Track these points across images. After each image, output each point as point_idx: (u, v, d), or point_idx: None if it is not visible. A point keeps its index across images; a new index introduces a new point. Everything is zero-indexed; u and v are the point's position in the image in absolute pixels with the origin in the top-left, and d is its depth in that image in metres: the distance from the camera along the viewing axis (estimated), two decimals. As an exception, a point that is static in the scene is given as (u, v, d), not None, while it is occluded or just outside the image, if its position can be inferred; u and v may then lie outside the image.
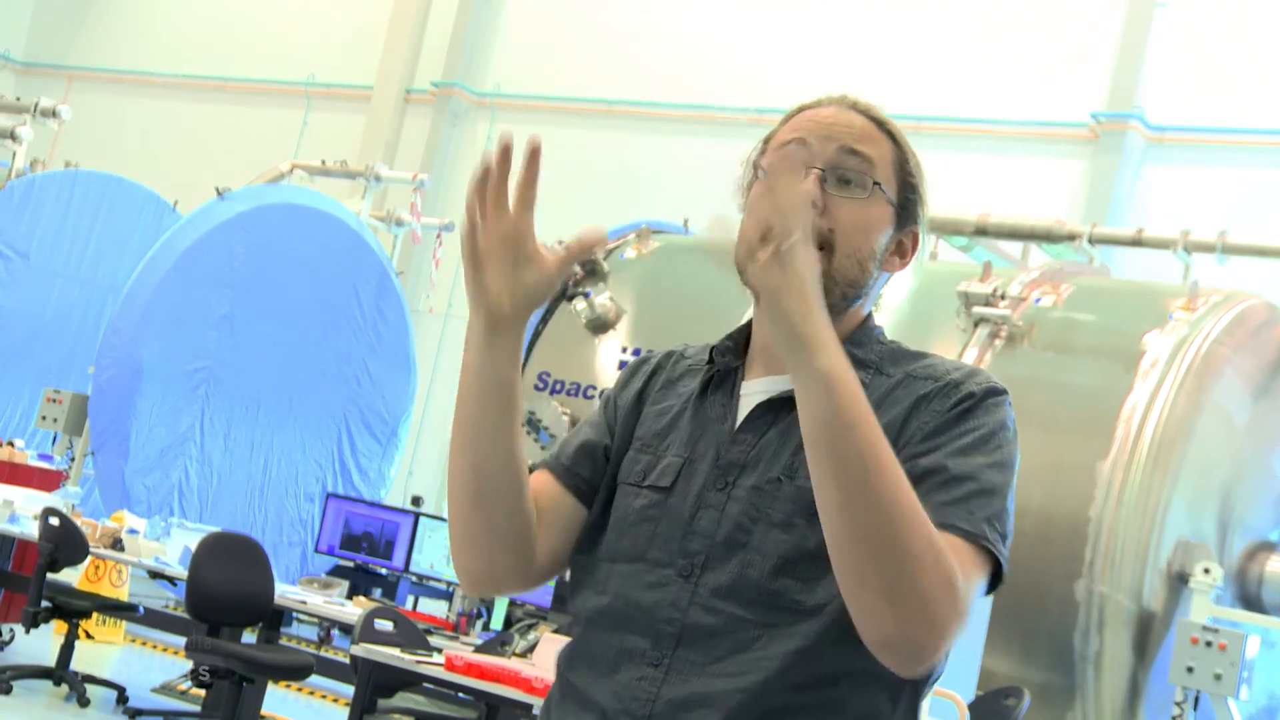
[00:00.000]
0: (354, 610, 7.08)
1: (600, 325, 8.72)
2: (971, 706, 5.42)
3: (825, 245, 1.67)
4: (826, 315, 1.51)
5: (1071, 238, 8.61)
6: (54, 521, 7.47)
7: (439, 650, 5.72)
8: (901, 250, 1.77)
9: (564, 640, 1.81)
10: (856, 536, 1.48)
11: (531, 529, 1.73)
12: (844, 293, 1.70)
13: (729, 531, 1.64)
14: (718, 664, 1.60)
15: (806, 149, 1.71)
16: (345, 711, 7.52)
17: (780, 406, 1.68)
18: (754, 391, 1.73)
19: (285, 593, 7.24)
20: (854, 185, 1.70)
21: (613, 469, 1.79)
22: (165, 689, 8.37)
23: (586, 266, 9.02)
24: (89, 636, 8.93)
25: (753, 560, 1.62)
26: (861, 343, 1.74)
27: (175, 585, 8.06)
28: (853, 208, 1.70)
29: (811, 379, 1.49)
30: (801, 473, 1.60)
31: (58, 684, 7.69)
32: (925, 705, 1.72)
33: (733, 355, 1.78)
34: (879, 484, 1.47)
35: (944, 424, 1.63)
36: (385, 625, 5.86)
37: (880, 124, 1.75)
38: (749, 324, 1.80)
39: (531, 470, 1.79)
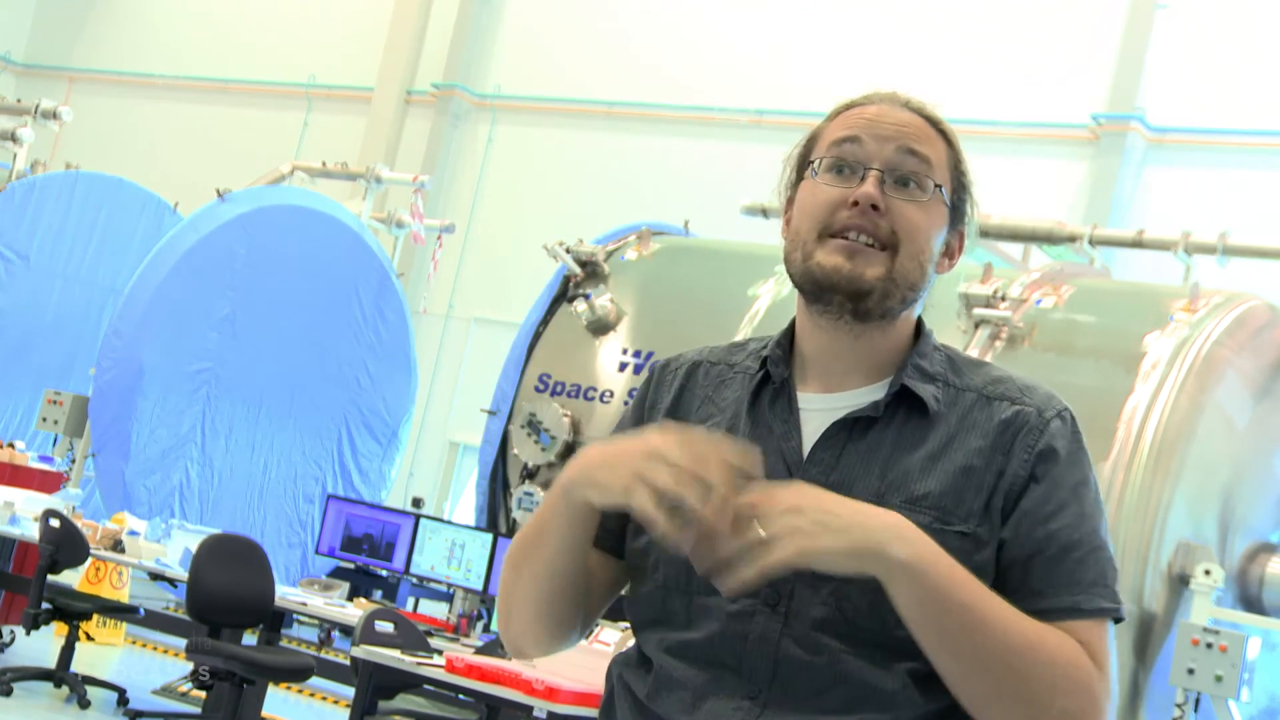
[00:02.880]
0: (354, 612, 7.08)
1: (601, 327, 8.72)
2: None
3: (889, 247, 1.63)
4: (860, 509, 1.48)
5: (1072, 239, 8.62)
6: (54, 523, 7.47)
7: (439, 652, 5.72)
8: (949, 251, 1.74)
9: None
10: (988, 692, 1.49)
11: (591, 611, 1.74)
12: (904, 295, 1.66)
13: None
14: (819, 698, 1.55)
15: (862, 148, 1.66)
16: (346, 713, 7.53)
17: (853, 425, 1.63)
18: (815, 407, 1.67)
19: (286, 594, 7.24)
20: (913, 186, 1.66)
21: None
22: (166, 691, 8.37)
23: (587, 268, 9.02)
24: (89, 638, 8.94)
25: (847, 592, 1.55)
26: (925, 353, 1.70)
27: (176, 587, 8.06)
28: (915, 209, 1.65)
29: (895, 576, 1.47)
30: (889, 500, 1.57)
31: (58, 686, 7.69)
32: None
33: (783, 365, 1.71)
34: (990, 642, 1.48)
35: (1037, 474, 1.60)
36: (386, 627, 5.86)
37: (933, 123, 1.72)
38: (792, 328, 1.74)
39: None
